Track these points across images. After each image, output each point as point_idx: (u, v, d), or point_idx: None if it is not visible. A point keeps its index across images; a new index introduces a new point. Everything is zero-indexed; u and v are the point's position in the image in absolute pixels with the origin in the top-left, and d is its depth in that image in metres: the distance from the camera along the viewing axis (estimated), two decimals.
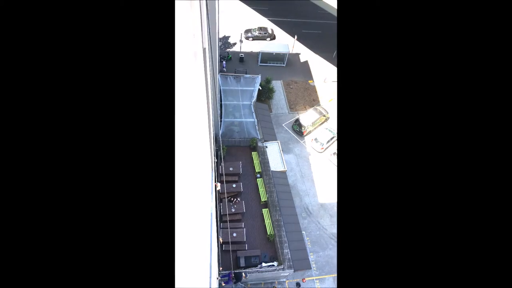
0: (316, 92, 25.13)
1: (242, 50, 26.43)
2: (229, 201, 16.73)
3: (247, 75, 22.25)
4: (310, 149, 21.81)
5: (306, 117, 22.41)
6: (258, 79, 21.89)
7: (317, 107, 23.32)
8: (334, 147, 21.67)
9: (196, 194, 6.27)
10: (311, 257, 17.33)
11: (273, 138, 20.11)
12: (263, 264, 14.85)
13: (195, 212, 5.89)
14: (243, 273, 13.58)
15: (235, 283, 14.33)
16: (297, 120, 22.44)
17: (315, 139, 21.72)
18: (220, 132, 19.13)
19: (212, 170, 13.08)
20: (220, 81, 20.91)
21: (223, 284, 14.07)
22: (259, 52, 25.66)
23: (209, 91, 9.28)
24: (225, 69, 24.37)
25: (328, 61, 26.99)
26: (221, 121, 19.56)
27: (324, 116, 22.90)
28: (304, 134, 22.20)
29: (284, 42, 26.64)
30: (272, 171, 18.04)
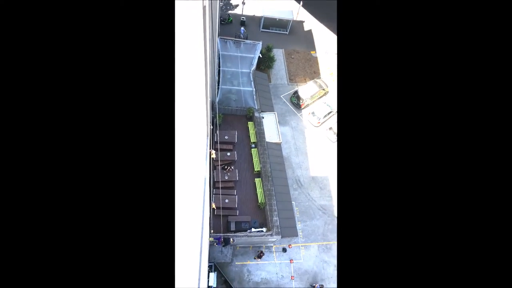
0: (317, 64, 24.42)
1: (244, 13, 25.00)
2: (223, 168, 16.96)
3: (248, 41, 21.29)
4: (307, 122, 21.76)
5: (305, 89, 22.02)
6: (259, 46, 21.00)
7: (317, 80, 22.84)
8: (330, 122, 21.65)
9: (193, 159, 6.28)
10: (299, 225, 18.16)
11: (271, 109, 19.88)
12: (253, 230, 15.53)
13: (191, 176, 5.94)
14: (231, 238, 14.32)
15: (223, 246, 15.15)
16: (296, 93, 22.06)
17: (312, 113, 21.58)
18: (217, 99, 18.77)
19: (207, 136, 13.05)
20: (219, 45, 20.02)
21: (215, 245, 14.85)
22: (262, 16, 24.33)
23: (207, 54, 8.89)
24: (242, 35, 22.87)
25: (333, 32, 25.87)
26: (218, 87, 19.08)
27: (323, 89, 22.52)
28: (302, 107, 21.98)
29: (289, 8, 25.19)
30: (267, 142, 18.11)
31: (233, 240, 14.81)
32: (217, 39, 18.21)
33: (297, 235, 17.05)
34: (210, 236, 14.42)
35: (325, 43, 25.22)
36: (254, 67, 20.50)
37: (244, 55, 20.76)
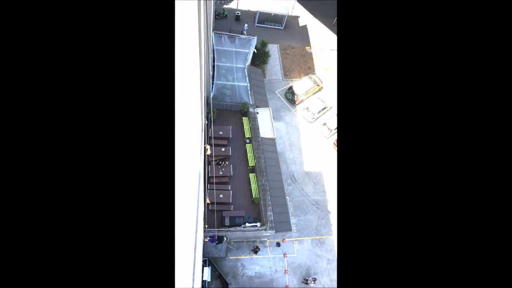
0: (312, 59, 24.43)
1: (239, 8, 24.76)
2: (217, 164, 16.96)
3: (243, 36, 21.14)
4: (301, 118, 21.84)
5: (300, 85, 22.05)
6: (254, 41, 20.88)
7: (312, 76, 22.88)
8: (324, 118, 21.77)
9: (189, 153, 6.28)
10: (293, 220, 18.35)
11: (265, 104, 19.87)
12: (247, 224, 15.64)
13: (187, 171, 5.95)
14: (224, 237, 14.54)
15: (217, 244, 15.35)
16: (290, 88, 22.08)
17: (307, 109, 21.66)
18: (212, 94, 18.66)
19: (202, 131, 13.01)
20: (213, 40, 19.84)
21: (206, 240, 15.00)
22: (257, 11, 24.14)
23: (202, 48, 8.82)
24: (246, 32, 22.43)
25: (328, 28, 25.86)
26: (213, 83, 18.96)
27: (318, 85, 22.58)
28: (296, 102, 22.03)
29: (284, 3, 25.05)
30: (261, 137, 18.14)
31: (227, 238, 15.00)
32: (211, 34, 18.03)
33: (290, 230, 17.23)
34: (204, 231, 14.49)
35: (320, 38, 25.22)
36: (249, 62, 20.40)
37: (239, 50, 20.62)
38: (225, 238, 14.82)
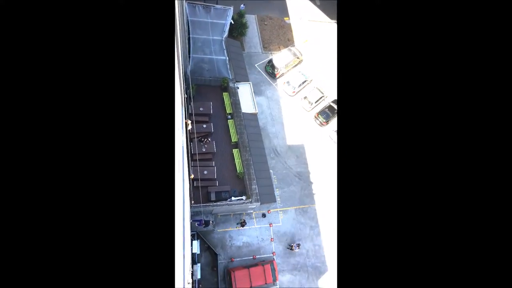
0: (291, 31, 23.90)
1: None
2: (200, 141, 16.79)
3: (218, 6, 20.05)
4: (282, 92, 21.78)
5: (280, 58, 21.71)
6: (230, 11, 19.88)
7: (291, 48, 22.53)
8: (305, 91, 21.87)
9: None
10: (277, 192, 18.97)
11: (245, 79, 19.49)
12: (233, 198, 15.99)
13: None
14: (210, 220, 15.09)
15: (204, 227, 15.96)
16: (270, 61, 21.71)
17: (287, 82, 21.57)
18: (189, 69, 17.96)
19: (182, 105, 12.67)
20: (187, 11, 18.67)
21: (196, 225, 15.53)
22: None
23: (177, 19, 8.32)
24: (243, 9, 20.77)
25: None
26: (189, 56, 18.16)
27: (297, 58, 22.36)
28: (277, 76, 21.81)
29: None
30: (243, 113, 18.01)
31: (213, 222, 15.68)
32: (185, 4, 16.93)
33: (275, 201, 17.86)
34: (191, 207, 14.68)
35: (299, 9, 24.53)
36: (226, 34, 19.59)
37: (214, 21, 19.62)
38: (211, 222, 15.47)
